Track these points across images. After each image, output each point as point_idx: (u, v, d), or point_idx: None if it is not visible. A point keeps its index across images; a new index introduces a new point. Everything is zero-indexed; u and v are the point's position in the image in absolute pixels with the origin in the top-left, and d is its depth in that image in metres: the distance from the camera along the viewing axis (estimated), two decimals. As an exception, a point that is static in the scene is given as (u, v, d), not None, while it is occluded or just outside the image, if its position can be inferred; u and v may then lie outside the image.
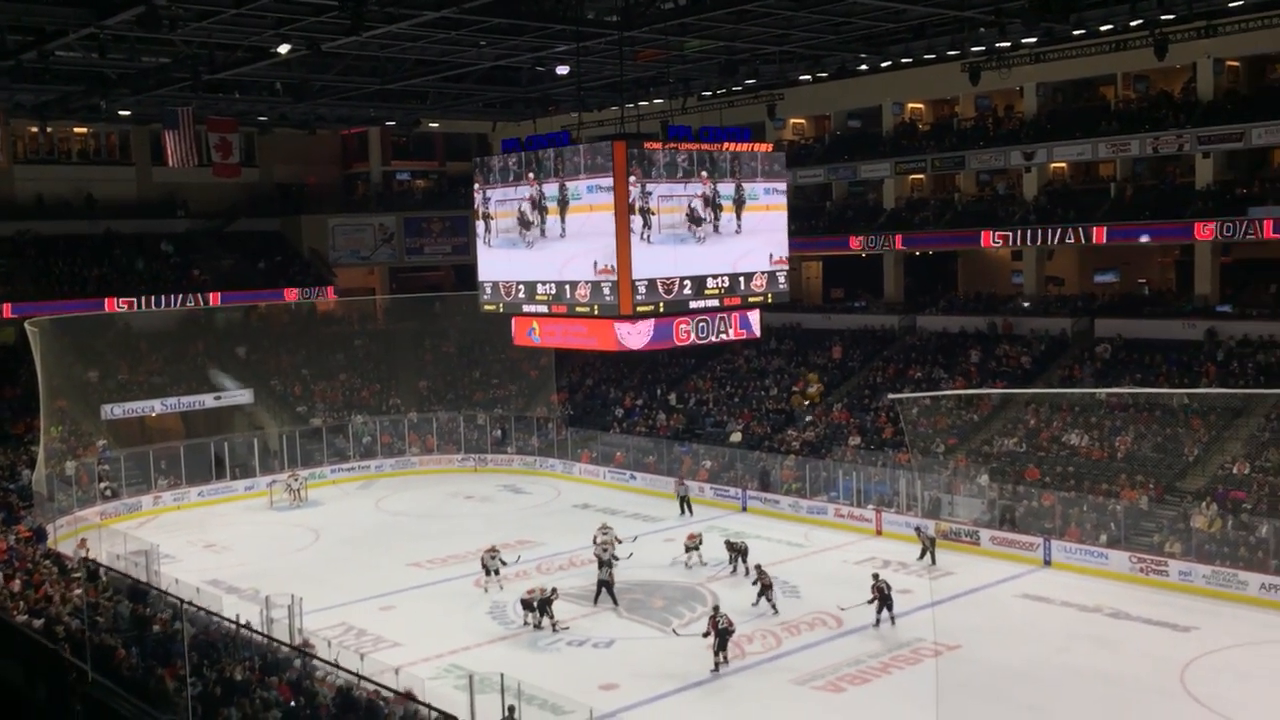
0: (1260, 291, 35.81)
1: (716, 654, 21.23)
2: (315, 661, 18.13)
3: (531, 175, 21.76)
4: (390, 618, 24.97)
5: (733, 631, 21.57)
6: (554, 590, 24.15)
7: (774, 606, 24.44)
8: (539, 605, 23.69)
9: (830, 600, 24.73)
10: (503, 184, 22.64)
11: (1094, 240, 35.90)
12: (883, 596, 23.52)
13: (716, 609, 22.23)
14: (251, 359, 45.07)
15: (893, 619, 23.53)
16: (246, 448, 39.32)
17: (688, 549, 28.29)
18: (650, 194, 20.57)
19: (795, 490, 33.82)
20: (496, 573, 26.82)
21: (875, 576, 24.15)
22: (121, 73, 30.87)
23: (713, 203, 21.69)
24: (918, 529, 28.87)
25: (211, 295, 44.01)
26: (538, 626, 23.70)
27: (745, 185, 22.17)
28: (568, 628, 23.79)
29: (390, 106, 39.82)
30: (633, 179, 20.22)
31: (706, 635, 21.50)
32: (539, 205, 21.68)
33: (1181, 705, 19.41)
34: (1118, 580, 26.20)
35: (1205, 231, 33.66)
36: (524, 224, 22.13)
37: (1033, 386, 34.30)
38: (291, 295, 46.22)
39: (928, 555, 27.98)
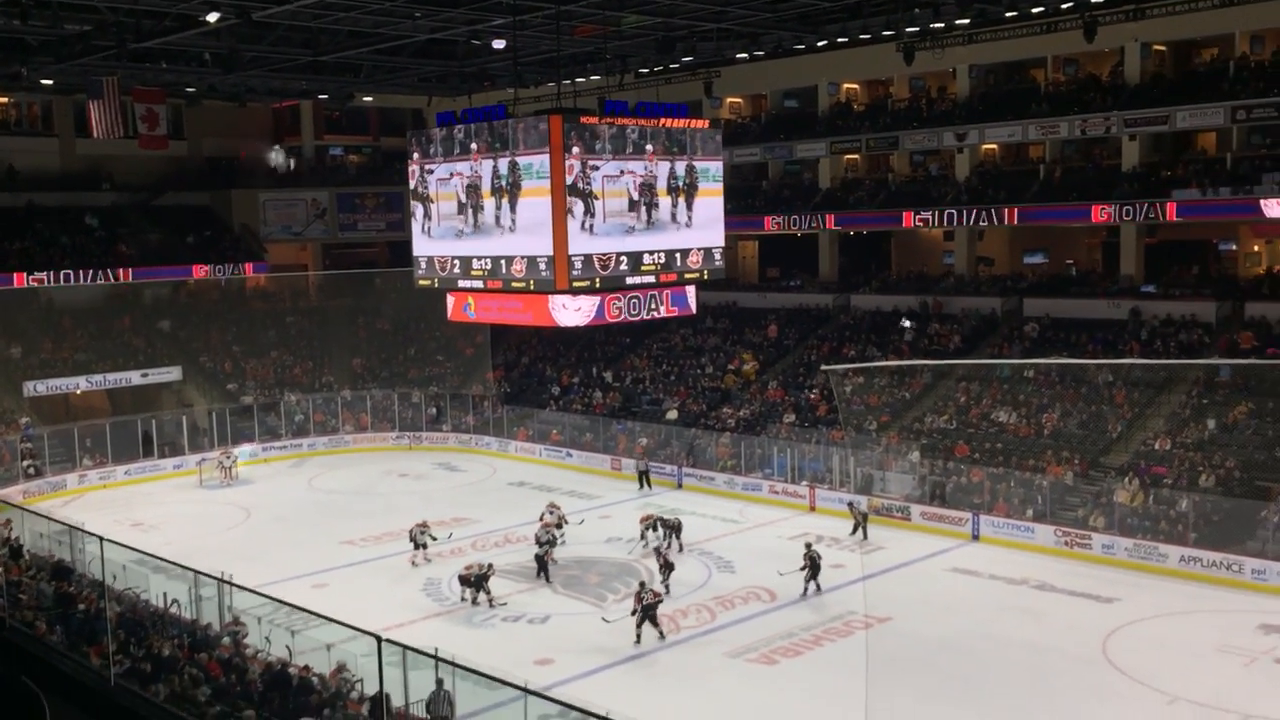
0: (1183, 272, 36.68)
1: (639, 627, 21.32)
2: (246, 640, 17.93)
3: (475, 148, 21.41)
4: (323, 595, 24.72)
5: (658, 604, 21.66)
6: (490, 566, 24.12)
7: (667, 588, 24.13)
8: (475, 581, 23.66)
9: (764, 575, 24.96)
10: (445, 158, 22.21)
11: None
12: (814, 565, 23.89)
13: (642, 584, 22.32)
14: (180, 335, 44.29)
15: (818, 587, 23.94)
16: (175, 426, 38.70)
17: (643, 532, 27.81)
18: (596, 169, 20.44)
19: (730, 467, 34.07)
20: (424, 547, 26.77)
21: (808, 546, 24.49)
22: (43, 40, 30.03)
23: (671, 186, 21.68)
24: (850, 504, 29.26)
25: (122, 271, 42.63)
26: (474, 602, 23.67)
27: (694, 165, 22.16)
28: (505, 603, 23.79)
29: (323, 79, 39.16)
30: (576, 150, 20.12)
31: (635, 613, 21.57)
32: (494, 188, 21.06)
33: (1104, 673, 19.91)
34: (1044, 554, 26.78)
35: (1103, 215, 34.71)
36: (466, 209, 21.64)
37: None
38: (200, 272, 45.08)
39: (860, 530, 28.36)
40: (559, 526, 27.43)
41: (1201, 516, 25.81)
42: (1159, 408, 30.66)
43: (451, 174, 22.04)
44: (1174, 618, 22.72)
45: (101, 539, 17.69)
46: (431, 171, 22.52)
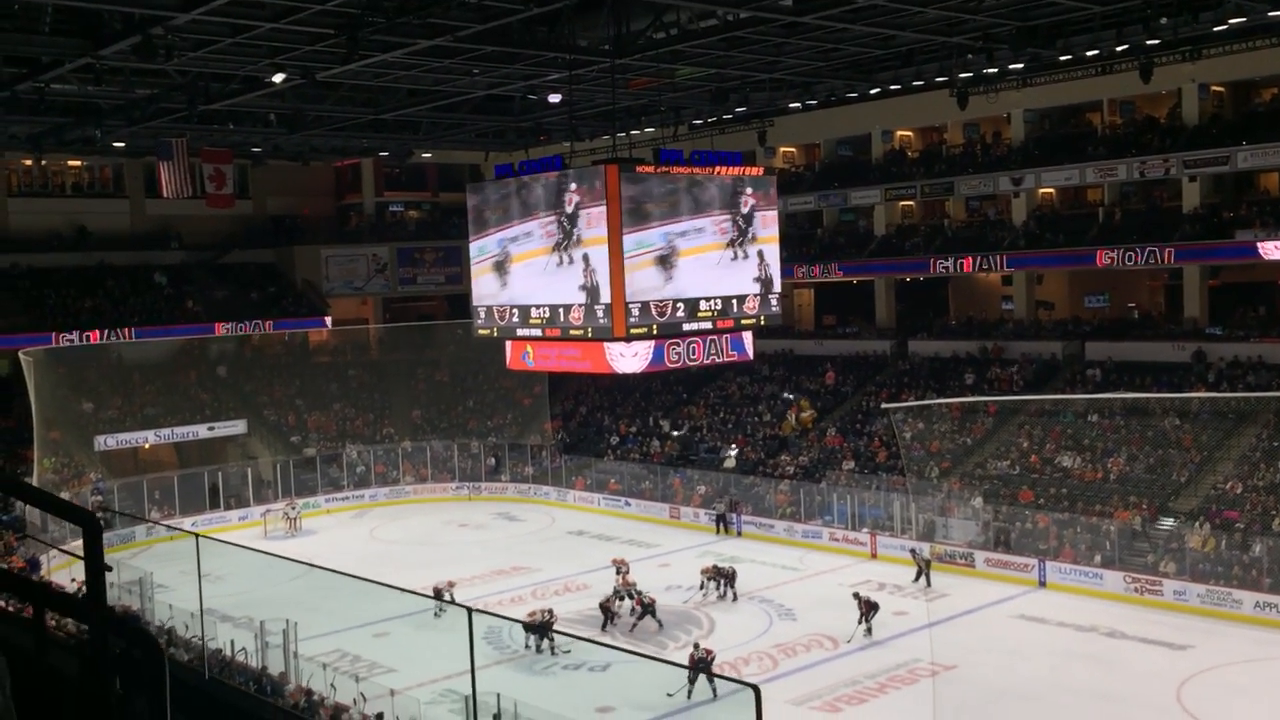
0: (1249, 313, 36.05)
1: (691, 684, 20.75)
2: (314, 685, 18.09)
3: (550, 204, 21.35)
4: (385, 644, 24.90)
5: (711, 660, 21.26)
6: (551, 612, 24.11)
7: (659, 622, 25.06)
8: (539, 628, 23.65)
9: (826, 622, 24.73)
10: (547, 210, 21.96)
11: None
12: (869, 605, 23.96)
13: (696, 645, 22.08)
14: (245, 389, 45.08)
15: (869, 630, 24.03)
16: (240, 478, 39.28)
17: (703, 582, 27.63)
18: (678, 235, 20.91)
19: (790, 514, 33.86)
20: (440, 597, 26.51)
21: (856, 595, 24.54)
22: (115, 104, 31.06)
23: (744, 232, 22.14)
24: (913, 551, 28.92)
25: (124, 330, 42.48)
26: (538, 649, 23.64)
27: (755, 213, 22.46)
28: (568, 650, 23.73)
29: (384, 137, 40.06)
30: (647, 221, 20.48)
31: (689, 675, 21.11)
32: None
33: (1179, 722, 19.44)
34: (1113, 600, 26.25)
35: (1107, 260, 35.37)
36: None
37: (1024, 409, 34.46)
38: (221, 329, 44.65)
39: (923, 577, 27.99)
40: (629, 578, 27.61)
41: (1276, 561, 25.16)
42: (1228, 451, 30.06)
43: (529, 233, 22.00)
44: (1250, 665, 22.13)
45: (197, 536, 18.09)
46: (524, 235, 22.13)
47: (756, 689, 8.68)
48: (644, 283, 20.70)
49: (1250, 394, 30.44)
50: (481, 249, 23.32)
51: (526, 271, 22.20)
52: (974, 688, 21.10)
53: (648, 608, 25.08)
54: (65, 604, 2.98)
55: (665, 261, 21.00)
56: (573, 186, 21.07)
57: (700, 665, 20.95)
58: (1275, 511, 26.77)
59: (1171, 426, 31.34)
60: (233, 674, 17.99)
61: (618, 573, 27.72)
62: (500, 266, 22.81)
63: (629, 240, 20.37)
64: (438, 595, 26.80)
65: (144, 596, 24.48)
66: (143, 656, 2.85)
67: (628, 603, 26.02)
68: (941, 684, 21.05)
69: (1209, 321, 35.46)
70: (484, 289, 23.47)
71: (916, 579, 28.05)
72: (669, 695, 20.60)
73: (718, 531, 34.27)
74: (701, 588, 27.66)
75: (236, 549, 31.96)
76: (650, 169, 21.11)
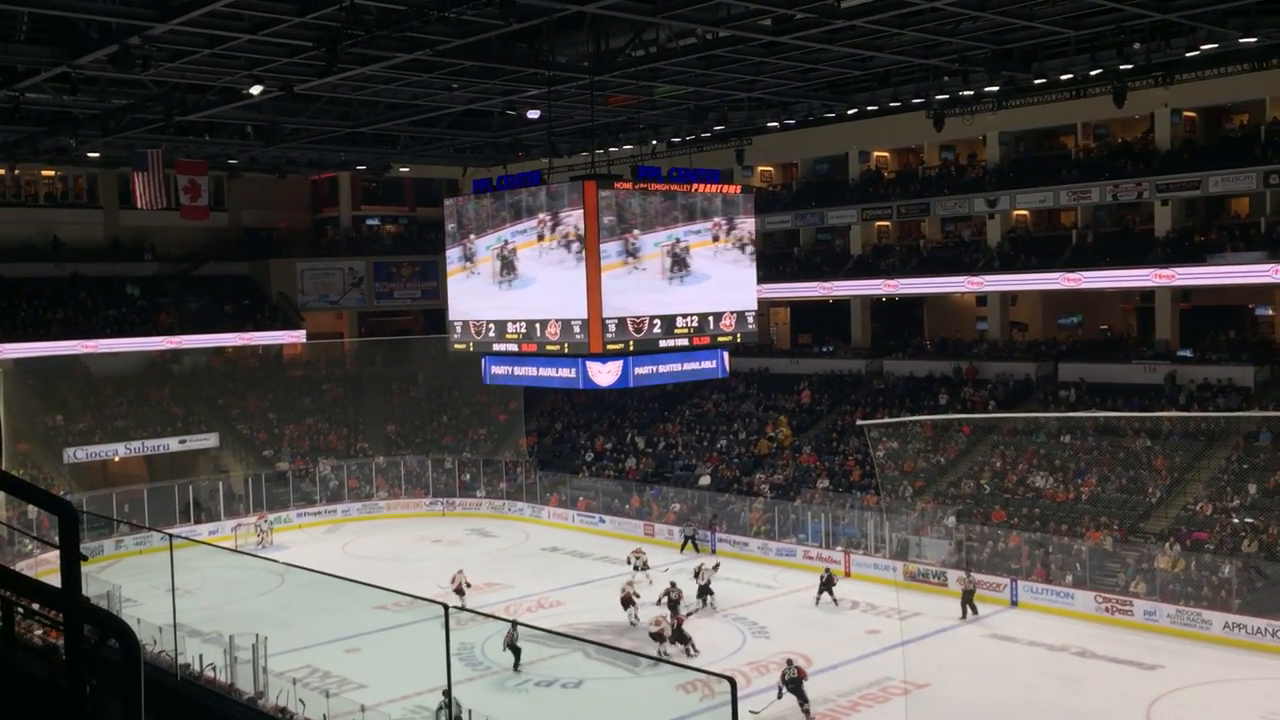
0: (1219, 336, 36.40)
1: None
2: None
3: (542, 214, 21.41)
4: (356, 659, 24.74)
5: (803, 680, 20.74)
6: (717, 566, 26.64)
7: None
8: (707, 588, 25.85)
9: (799, 640, 24.72)
10: (501, 233, 22.17)
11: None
12: (824, 583, 26.39)
13: (790, 662, 21.33)
14: (218, 403, 44.77)
15: (834, 600, 26.39)
16: (211, 492, 38.96)
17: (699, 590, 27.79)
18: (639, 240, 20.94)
19: (764, 532, 33.87)
20: (459, 593, 26.90)
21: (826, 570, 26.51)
22: (91, 114, 30.86)
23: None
24: (966, 573, 28.14)
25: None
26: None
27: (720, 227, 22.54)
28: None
29: (361, 151, 39.95)
30: (613, 222, 20.46)
31: (781, 695, 20.68)
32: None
33: (1148, 742, 19.51)
34: (1084, 620, 26.37)
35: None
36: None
37: (997, 429, 34.66)
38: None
39: (967, 608, 27.03)
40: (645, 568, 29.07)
41: (1245, 582, 25.37)
42: (1198, 472, 30.29)
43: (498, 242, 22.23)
44: (1218, 685, 22.26)
45: (171, 537, 17.96)
46: (501, 249, 22.24)
47: (732, 680, 9.00)
48: (621, 298, 20.75)
49: (1220, 414, 30.70)
50: (458, 263, 23.30)
51: (503, 286, 22.19)
52: (946, 706, 21.12)
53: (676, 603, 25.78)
54: (38, 590, 2.94)
55: (643, 278, 21.05)
56: (551, 202, 21.11)
57: (791, 684, 20.50)
58: (1244, 533, 26.98)
59: (1143, 448, 31.58)
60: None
61: (632, 565, 28.66)
62: (476, 281, 22.79)
63: (606, 256, 20.40)
64: (460, 591, 27.33)
65: (112, 610, 24.13)
66: (119, 646, 2.83)
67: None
68: (914, 702, 21.07)
69: (1180, 344, 35.78)
70: (460, 303, 23.46)
71: (964, 615, 26.95)
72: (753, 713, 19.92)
73: (683, 549, 34.03)
74: (700, 597, 27.79)
75: (211, 552, 31.75)
76: (628, 185, 21.17)
